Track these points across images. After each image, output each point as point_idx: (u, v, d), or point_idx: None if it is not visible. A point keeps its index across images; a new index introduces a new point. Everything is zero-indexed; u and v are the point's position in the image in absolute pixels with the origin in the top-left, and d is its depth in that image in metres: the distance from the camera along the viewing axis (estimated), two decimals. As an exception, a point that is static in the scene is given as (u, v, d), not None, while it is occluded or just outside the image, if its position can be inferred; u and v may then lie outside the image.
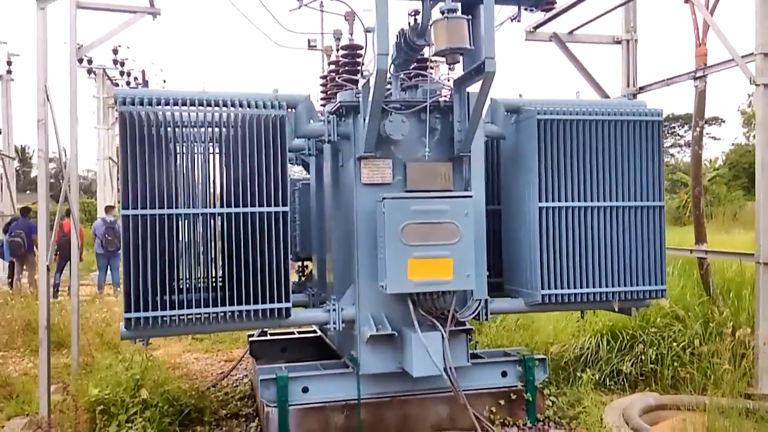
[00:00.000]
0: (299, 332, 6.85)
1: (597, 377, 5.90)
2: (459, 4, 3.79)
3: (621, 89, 8.16)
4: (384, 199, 4.20)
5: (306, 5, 4.07)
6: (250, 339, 6.46)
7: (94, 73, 19.17)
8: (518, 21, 4.39)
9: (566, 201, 4.71)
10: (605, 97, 7.95)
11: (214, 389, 5.97)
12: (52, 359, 5.29)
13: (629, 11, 8.13)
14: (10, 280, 16.07)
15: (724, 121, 53.84)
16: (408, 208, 4.18)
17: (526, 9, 4.52)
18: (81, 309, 6.54)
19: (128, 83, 20.73)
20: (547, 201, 4.68)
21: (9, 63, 18.74)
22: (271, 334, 6.66)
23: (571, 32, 8.16)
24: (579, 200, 4.73)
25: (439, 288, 4.27)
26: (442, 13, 3.75)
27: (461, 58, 4.09)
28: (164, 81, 23.00)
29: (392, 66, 4.60)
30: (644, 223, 4.86)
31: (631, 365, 5.98)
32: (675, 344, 5.95)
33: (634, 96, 8.03)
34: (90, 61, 18.82)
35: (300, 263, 7.22)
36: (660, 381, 5.84)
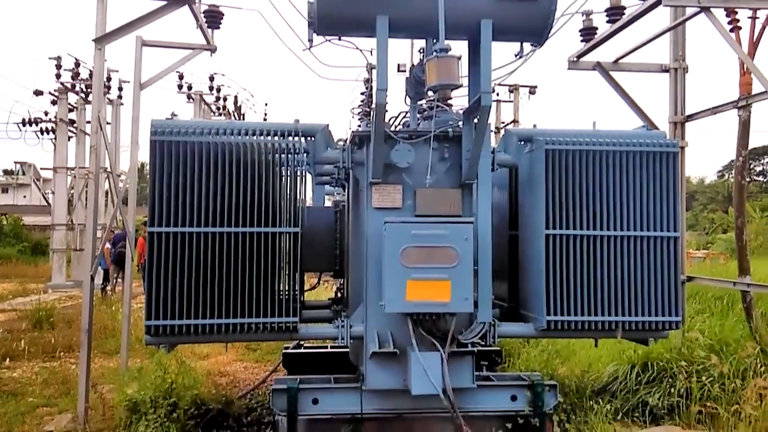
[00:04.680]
0: (331, 347, 7.16)
1: (621, 408, 5.83)
2: (450, 43, 4.02)
3: (668, 117, 8.04)
4: (386, 223, 4.46)
5: (316, 46, 4.43)
6: (284, 351, 6.84)
7: (193, 99, 20.76)
8: (520, 57, 4.55)
9: (574, 229, 4.78)
10: (653, 126, 7.84)
11: (246, 397, 6.38)
12: (109, 361, 5.92)
13: (678, 38, 8.02)
14: (103, 285, 17.53)
15: None
16: (408, 231, 4.42)
17: (532, 45, 4.68)
18: (136, 315, 7.19)
19: (224, 107, 22.34)
20: (554, 228, 4.77)
21: (120, 89, 20.73)
22: (305, 348, 7.02)
23: (615, 61, 8.13)
24: (587, 228, 4.79)
25: (436, 310, 4.46)
26: (434, 51, 4.01)
27: (451, 92, 4.31)
28: (266, 104, 24.57)
29: (407, 98, 4.89)
30: (657, 254, 4.83)
31: (659, 398, 5.87)
32: (704, 378, 5.79)
33: (682, 124, 7.89)
34: (189, 87, 20.47)
35: (339, 280, 7.56)
36: (687, 416, 5.69)
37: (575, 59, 8.09)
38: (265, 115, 24.82)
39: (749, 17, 7.07)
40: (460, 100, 5.34)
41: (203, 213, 4.43)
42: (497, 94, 20.62)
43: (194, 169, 4.43)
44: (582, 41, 7.76)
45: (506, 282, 5.49)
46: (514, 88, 20.78)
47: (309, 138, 4.88)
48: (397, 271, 4.38)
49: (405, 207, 4.84)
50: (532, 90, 20.92)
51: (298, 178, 4.68)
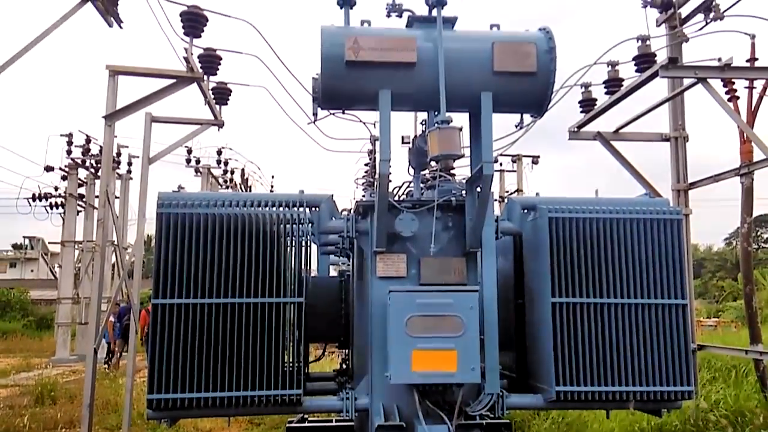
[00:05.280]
0: (337, 420, 6.96)
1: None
2: (451, 115, 4.13)
3: (671, 185, 8.12)
4: (390, 292, 4.44)
5: (320, 119, 4.56)
6: (288, 426, 6.65)
7: (200, 172, 21.14)
8: (520, 128, 4.66)
9: (580, 297, 4.74)
10: (655, 194, 7.90)
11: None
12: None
13: (677, 108, 8.22)
14: (106, 359, 17.30)
15: None
16: (413, 300, 4.39)
17: (532, 116, 4.80)
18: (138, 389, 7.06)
19: (231, 180, 22.73)
20: (560, 296, 4.73)
21: (129, 164, 21.20)
22: (310, 421, 6.82)
23: (616, 131, 8.30)
24: (594, 296, 4.74)
25: (443, 380, 4.36)
26: (436, 123, 4.12)
27: (453, 162, 4.39)
28: (272, 176, 25.01)
29: (410, 168, 4.98)
30: (666, 322, 4.76)
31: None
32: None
33: (685, 192, 7.96)
34: (198, 161, 20.91)
35: (345, 351, 7.44)
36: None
37: (576, 129, 8.26)
38: (272, 186, 25.20)
39: (746, 87, 7.27)
40: (463, 170, 5.45)
41: (207, 284, 4.43)
42: (500, 164, 20.99)
43: (199, 240, 4.47)
44: (582, 112, 7.96)
45: (513, 352, 5.39)
46: (517, 158, 21.16)
47: (313, 208, 4.94)
48: (402, 340, 4.32)
49: (409, 276, 4.83)
50: (535, 160, 21.27)
51: (303, 248, 4.70)
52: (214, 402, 4.30)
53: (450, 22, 4.50)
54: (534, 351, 5.07)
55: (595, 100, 7.87)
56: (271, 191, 22.99)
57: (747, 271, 6.66)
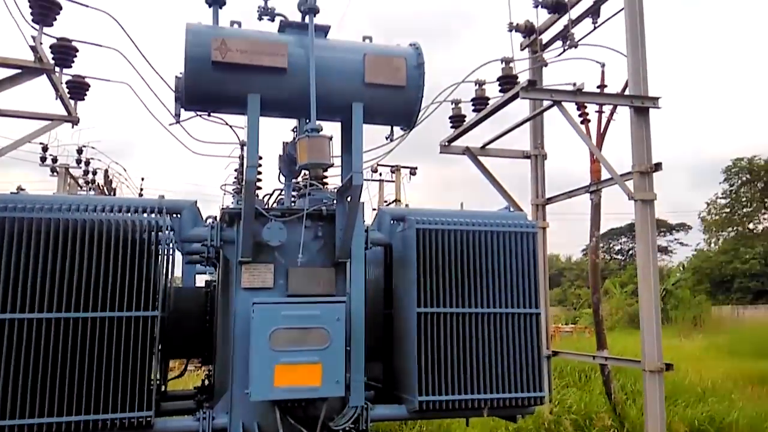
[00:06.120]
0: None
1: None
2: (321, 124, 4.08)
3: (530, 200, 8.63)
4: (254, 304, 4.28)
5: (184, 120, 4.32)
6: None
7: (57, 172, 19.30)
8: (391, 140, 4.71)
9: (444, 307, 4.84)
10: (516, 207, 8.35)
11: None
12: None
13: (537, 128, 8.76)
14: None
15: (690, 228, 56.33)
16: (278, 313, 4.25)
17: (402, 129, 4.87)
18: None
19: (93, 182, 20.98)
20: (425, 306, 4.80)
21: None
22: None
23: (483, 146, 8.69)
24: (456, 306, 4.87)
25: (307, 395, 4.26)
26: (306, 131, 4.04)
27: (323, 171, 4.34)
28: (142, 179, 23.45)
29: (281, 176, 4.85)
30: (521, 330, 4.99)
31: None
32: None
33: (543, 206, 8.48)
34: (54, 160, 19.05)
35: (209, 367, 7.09)
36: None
37: (446, 144, 8.54)
38: (141, 190, 23.77)
39: (596, 111, 7.90)
40: (336, 179, 5.40)
41: (45, 297, 4.00)
42: (380, 174, 21.32)
43: (38, 248, 4.03)
44: (452, 127, 8.24)
45: (382, 363, 5.41)
46: (395, 169, 21.60)
47: (174, 215, 4.65)
48: (264, 355, 4.17)
49: (277, 287, 4.68)
50: (413, 171, 21.82)
51: (161, 257, 4.40)
52: (50, 428, 3.88)
53: (323, 30, 4.45)
54: (400, 361, 5.11)
55: (465, 116, 8.19)
56: (140, 195, 21.66)
57: (595, 282, 7.21)
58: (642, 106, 6.30)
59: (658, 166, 6.11)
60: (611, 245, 60.66)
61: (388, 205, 20.35)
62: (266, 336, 4.19)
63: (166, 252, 4.59)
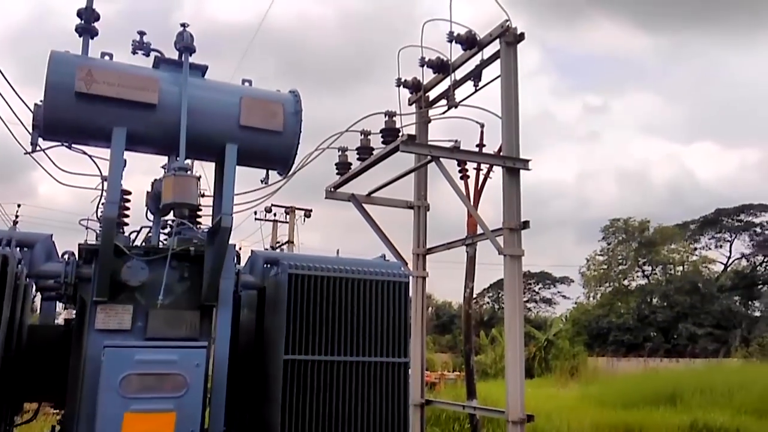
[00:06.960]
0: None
1: None
2: (189, 162, 4.02)
3: (412, 249, 8.83)
4: (105, 347, 4.04)
5: (44, 150, 4.09)
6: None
7: None
8: (266, 184, 4.71)
9: (312, 354, 4.81)
10: (398, 256, 8.51)
11: None
12: None
13: (420, 180, 9.03)
14: None
15: (572, 281, 59.63)
16: (131, 357, 4.04)
17: (279, 174, 4.88)
18: None
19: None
20: (292, 354, 4.74)
21: None
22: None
23: (369, 194, 8.83)
24: (324, 354, 4.85)
25: (157, 445, 4.04)
26: (173, 169, 3.96)
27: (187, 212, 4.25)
28: (18, 205, 21.79)
29: (148, 212, 4.69)
30: (389, 379, 5.04)
31: None
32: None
33: (423, 256, 8.70)
34: None
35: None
36: None
37: (332, 189, 8.61)
38: (16, 217, 22.04)
39: (474, 168, 8.30)
40: (209, 219, 5.27)
41: None
42: (274, 215, 21.10)
43: None
44: (337, 174, 8.34)
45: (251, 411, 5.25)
46: (290, 210, 21.50)
47: (25, 248, 4.36)
48: (113, 402, 3.93)
49: (135, 329, 4.46)
50: (308, 213, 21.79)
51: (6, 291, 4.07)
52: None
53: (200, 69, 4.43)
54: (267, 409, 4.98)
55: (351, 164, 8.32)
56: (15, 223, 20.07)
57: (467, 331, 7.46)
58: (513, 167, 6.70)
59: (526, 224, 6.48)
60: (500, 294, 63.12)
61: (280, 246, 20.12)
62: (116, 381, 3.96)
63: (13, 287, 4.26)
